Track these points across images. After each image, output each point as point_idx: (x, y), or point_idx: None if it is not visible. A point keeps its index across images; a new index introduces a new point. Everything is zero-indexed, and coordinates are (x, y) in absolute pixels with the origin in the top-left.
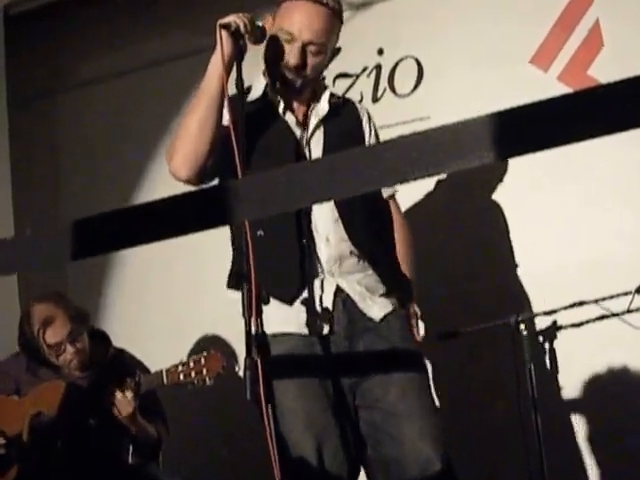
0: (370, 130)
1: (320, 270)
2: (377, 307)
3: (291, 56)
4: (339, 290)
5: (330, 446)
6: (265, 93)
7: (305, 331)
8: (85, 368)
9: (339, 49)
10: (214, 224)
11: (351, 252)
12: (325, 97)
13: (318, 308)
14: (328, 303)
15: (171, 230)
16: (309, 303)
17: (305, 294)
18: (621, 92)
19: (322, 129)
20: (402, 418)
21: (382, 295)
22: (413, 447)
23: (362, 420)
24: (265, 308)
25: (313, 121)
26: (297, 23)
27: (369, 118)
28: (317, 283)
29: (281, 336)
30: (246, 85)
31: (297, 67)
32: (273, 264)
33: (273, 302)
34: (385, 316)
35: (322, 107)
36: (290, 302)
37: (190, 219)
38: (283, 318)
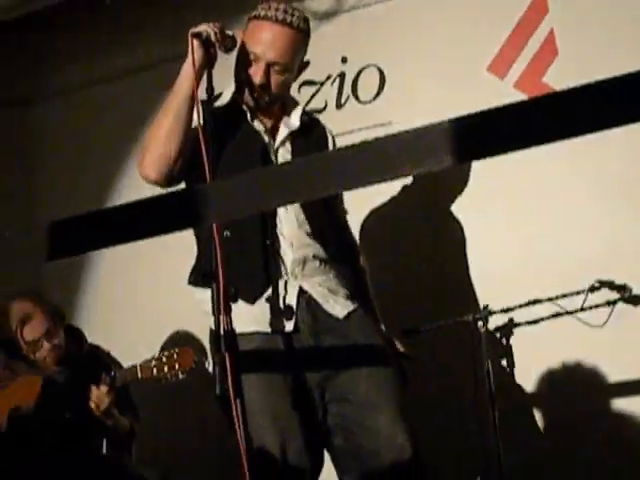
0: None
1: (284, 272)
2: (339, 306)
3: (256, 76)
4: (302, 291)
5: (294, 442)
6: (234, 100)
7: (270, 329)
8: (61, 363)
9: (307, 63)
10: (184, 226)
11: (314, 256)
12: (297, 113)
13: (282, 308)
14: (292, 302)
15: (145, 232)
16: (273, 302)
17: (269, 294)
18: (575, 99)
19: (290, 141)
20: (375, 409)
21: (344, 296)
22: (387, 436)
23: (332, 413)
24: (232, 307)
25: (283, 132)
26: (261, 43)
27: (334, 143)
28: (281, 284)
29: (247, 335)
30: (217, 92)
31: (262, 86)
32: (238, 264)
33: (238, 302)
34: (349, 314)
35: (293, 121)
36: (252, 301)
37: (162, 221)
38: (248, 317)
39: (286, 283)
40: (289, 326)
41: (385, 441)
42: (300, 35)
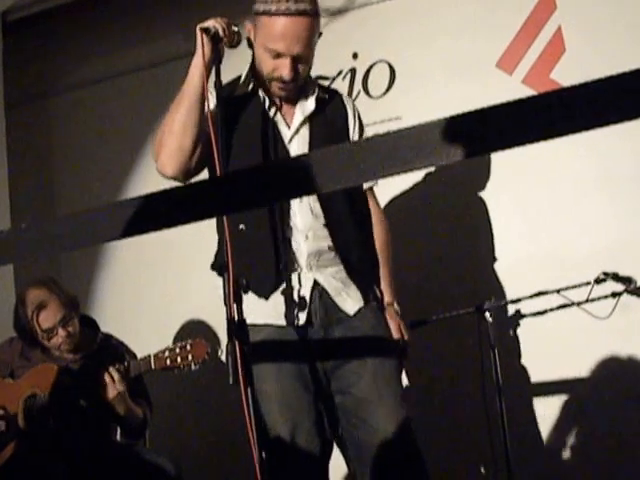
0: (354, 124)
1: (298, 264)
2: (351, 301)
3: (284, 72)
4: (316, 284)
5: (303, 428)
6: (253, 88)
7: (282, 322)
8: (75, 351)
9: (320, 33)
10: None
11: (329, 247)
12: (313, 96)
13: (296, 301)
14: (305, 296)
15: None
16: (287, 295)
17: (283, 287)
18: (581, 95)
19: (308, 126)
20: (373, 403)
21: (356, 288)
22: (382, 430)
23: (337, 404)
24: (245, 298)
25: (298, 118)
26: (282, 40)
27: (354, 111)
28: (295, 277)
29: (258, 326)
30: (231, 77)
31: (292, 80)
32: (253, 258)
33: (252, 294)
34: (359, 310)
35: (309, 106)
36: (266, 297)
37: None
38: (261, 310)
39: (300, 276)
40: (302, 319)
41: (381, 436)
42: (316, 19)
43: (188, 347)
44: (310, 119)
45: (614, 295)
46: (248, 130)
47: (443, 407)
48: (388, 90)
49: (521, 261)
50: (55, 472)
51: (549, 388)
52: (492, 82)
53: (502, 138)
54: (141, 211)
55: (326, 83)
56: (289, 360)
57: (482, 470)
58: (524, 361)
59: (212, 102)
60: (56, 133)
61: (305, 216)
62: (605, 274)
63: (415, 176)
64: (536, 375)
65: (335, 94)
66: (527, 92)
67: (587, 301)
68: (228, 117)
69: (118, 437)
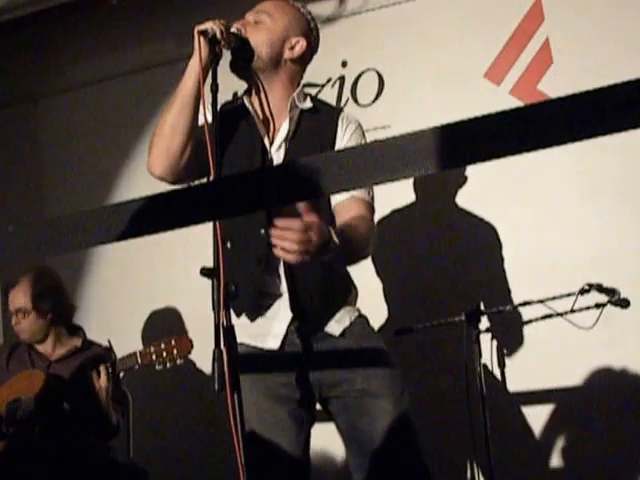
0: (342, 142)
1: (280, 281)
2: (335, 324)
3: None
4: (297, 305)
5: (280, 437)
6: (243, 102)
7: (267, 346)
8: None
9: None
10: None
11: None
12: (293, 118)
13: (279, 323)
14: (288, 318)
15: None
16: (271, 317)
17: (266, 307)
18: (568, 106)
19: (284, 146)
20: (373, 396)
21: (337, 308)
22: (384, 426)
23: (333, 405)
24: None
25: (282, 135)
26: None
27: (345, 130)
28: (279, 301)
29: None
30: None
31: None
32: (238, 277)
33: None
34: (344, 330)
35: (285, 128)
36: (252, 319)
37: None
38: (245, 330)
39: (282, 295)
40: (275, 343)
41: (381, 429)
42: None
43: (173, 342)
44: (291, 139)
45: (598, 306)
46: (237, 143)
47: (426, 416)
48: (377, 98)
49: (506, 271)
50: (36, 475)
51: (533, 398)
52: (480, 93)
53: (489, 148)
54: (130, 215)
55: (315, 90)
56: (268, 372)
57: None
58: (508, 371)
59: (208, 112)
60: (44, 135)
61: None
62: (589, 285)
63: (400, 185)
64: (520, 385)
65: (333, 111)
66: (514, 103)
67: (571, 312)
68: (223, 128)
69: (96, 438)
